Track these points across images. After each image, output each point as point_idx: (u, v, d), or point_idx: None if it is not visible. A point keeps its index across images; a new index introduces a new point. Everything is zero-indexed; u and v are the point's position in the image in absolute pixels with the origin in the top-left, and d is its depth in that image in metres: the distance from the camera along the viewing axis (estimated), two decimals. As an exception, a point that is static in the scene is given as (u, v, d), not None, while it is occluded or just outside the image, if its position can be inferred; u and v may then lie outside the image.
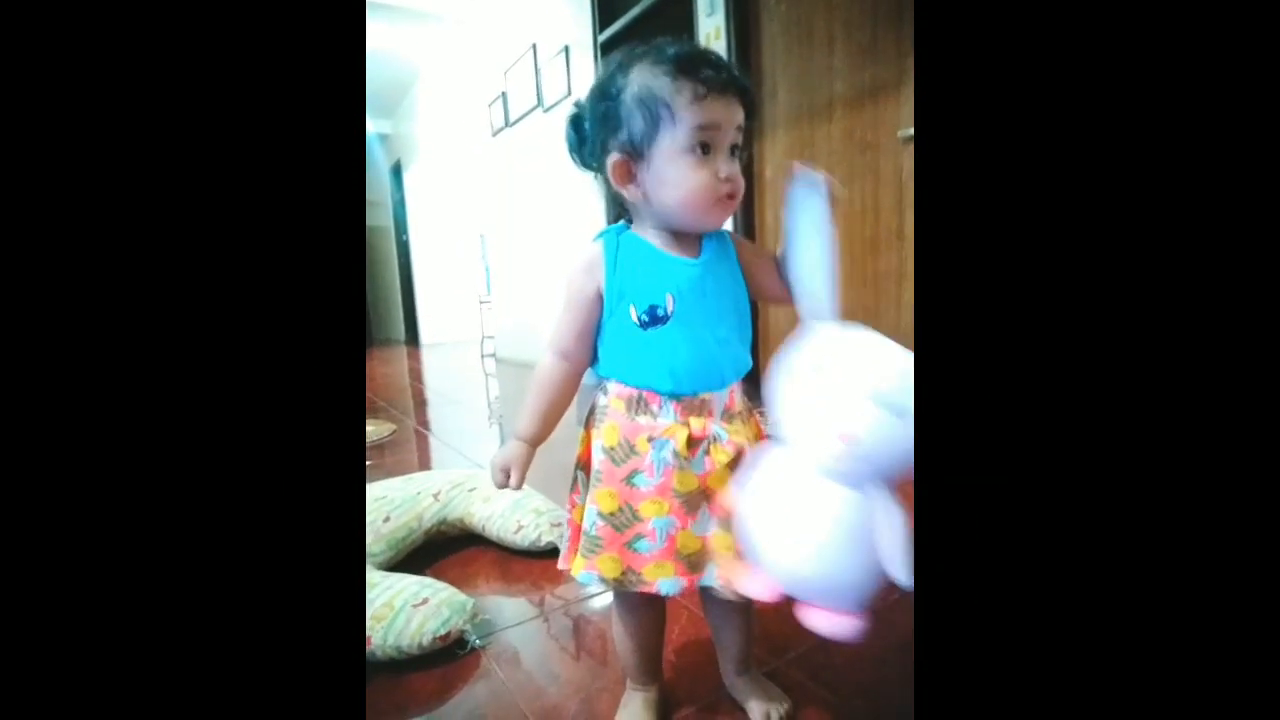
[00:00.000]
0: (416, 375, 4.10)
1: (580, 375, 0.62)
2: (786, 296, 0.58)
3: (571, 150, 0.60)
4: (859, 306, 1.94)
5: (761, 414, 0.62)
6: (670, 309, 0.56)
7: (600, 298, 0.58)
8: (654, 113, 0.53)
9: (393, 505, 1.12)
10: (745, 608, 0.68)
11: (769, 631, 0.82)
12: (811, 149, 2.03)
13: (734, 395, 0.61)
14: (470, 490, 1.21)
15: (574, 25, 2.97)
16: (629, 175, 0.56)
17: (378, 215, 6.82)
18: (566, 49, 3.04)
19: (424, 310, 6.11)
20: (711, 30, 2.24)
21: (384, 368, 4.55)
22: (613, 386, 0.59)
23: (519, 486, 0.62)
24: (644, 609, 0.66)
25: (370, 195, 6.69)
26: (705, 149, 0.53)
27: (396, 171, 6.23)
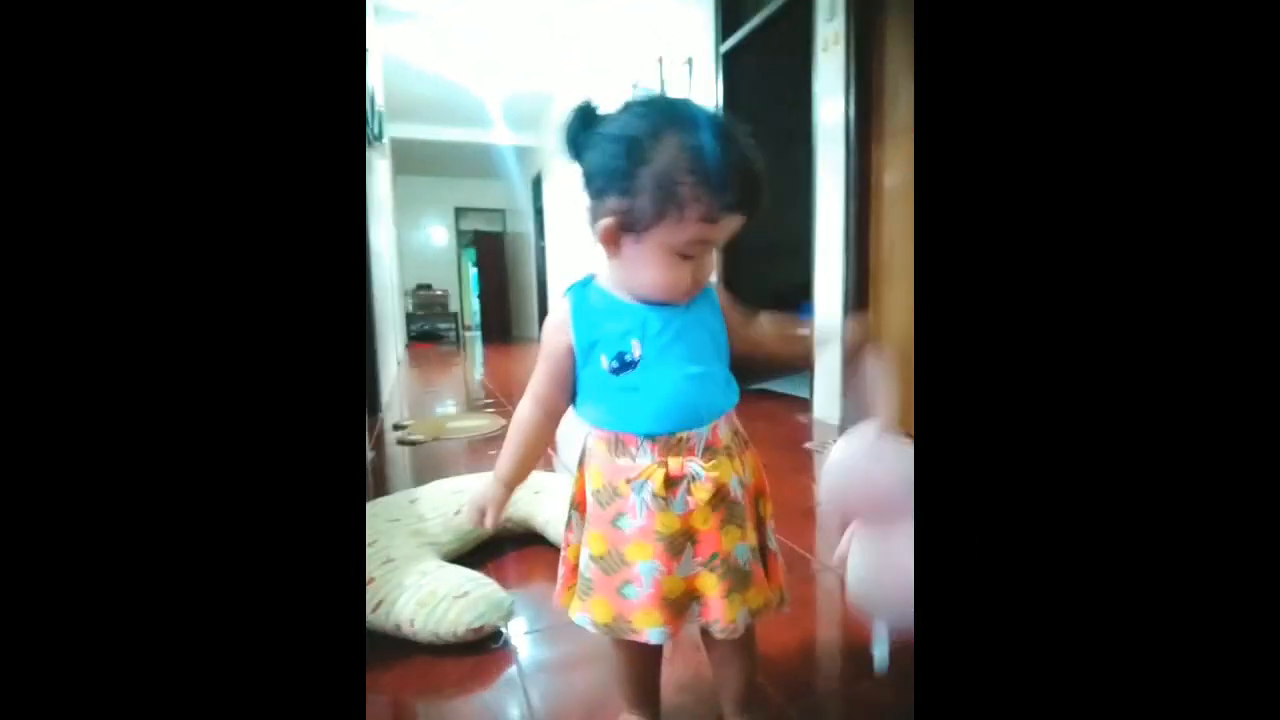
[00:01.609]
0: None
1: (556, 421, 0.63)
2: (750, 354, 0.62)
3: (567, 142, 0.55)
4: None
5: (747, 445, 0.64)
6: (637, 354, 0.56)
7: (571, 352, 0.59)
8: (662, 208, 0.51)
9: (465, 500, 1.22)
10: (745, 648, 0.66)
11: (784, 674, 0.79)
12: (932, 157, 1.87)
13: (718, 430, 0.59)
14: (536, 493, 1.28)
15: (698, 36, 3.00)
16: (615, 241, 0.55)
17: (519, 222, 7.32)
18: (690, 60, 3.08)
19: (555, 312, 6.46)
20: (830, 35, 2.15)
21: (515, 364, 4.89)
22: (594, 430, 0.60)
23: (494, 526, 0.64)
24: (640, 645, 0.66)
25: (512, 205, 7.20)
26: (691, 256, 0.54)
27: (537, 183, 6.65)
